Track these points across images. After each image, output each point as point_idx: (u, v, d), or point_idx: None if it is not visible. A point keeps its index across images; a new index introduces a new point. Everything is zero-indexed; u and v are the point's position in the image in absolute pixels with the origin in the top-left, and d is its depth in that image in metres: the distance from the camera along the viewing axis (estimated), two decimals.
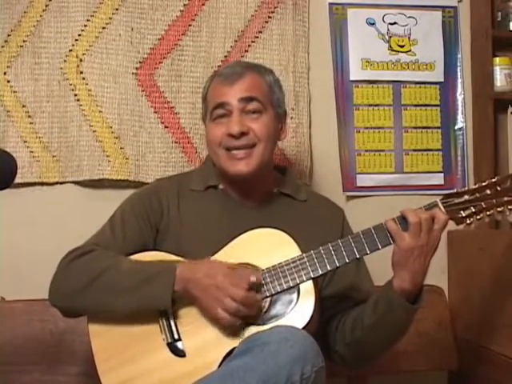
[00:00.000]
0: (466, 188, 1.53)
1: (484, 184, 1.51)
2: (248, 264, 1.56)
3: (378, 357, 1.69)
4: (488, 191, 1.50)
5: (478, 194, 1.51)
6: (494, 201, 1.50)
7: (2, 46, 2.09)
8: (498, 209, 1.50)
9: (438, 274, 2.23)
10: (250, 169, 1.65)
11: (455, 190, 1.53)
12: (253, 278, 1.48)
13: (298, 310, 1.50)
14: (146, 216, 1.69)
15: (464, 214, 1.51)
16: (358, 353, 1.65)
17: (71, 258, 1.60)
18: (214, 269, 1.51)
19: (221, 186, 1.75)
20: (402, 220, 1.49)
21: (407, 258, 1.48)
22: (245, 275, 1.48)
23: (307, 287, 1.51)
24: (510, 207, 1.51)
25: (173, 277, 1.50)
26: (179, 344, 1.53)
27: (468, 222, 1.51)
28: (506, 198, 1.50)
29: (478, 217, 1.51)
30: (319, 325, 1.58)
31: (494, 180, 1.51)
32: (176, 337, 1.53)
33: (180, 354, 1.53)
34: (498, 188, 1.50)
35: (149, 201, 1.71)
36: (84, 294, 1.55)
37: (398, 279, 1.50)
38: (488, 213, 1.50)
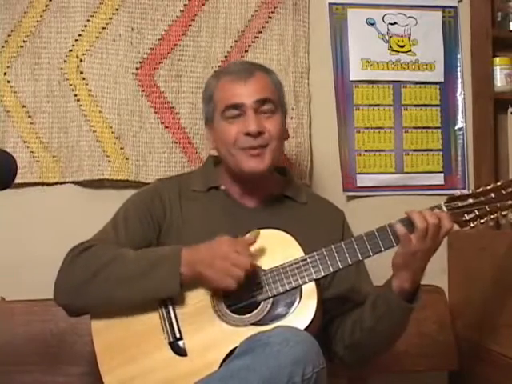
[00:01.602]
0: (471, 191, 1.53)
1: (488, 187, 1.51)
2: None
3: (378, 357, 1.69)
4: (492, 195, 1.50)
5: (482, 198, 1.51)
6: (498, 204, 1.50)
7: (2, 46, 2.08)
8: (503, 212, 1.50)
9: (438, 274, 2.23)
10: (264, 166, 1.66)
11: (459, 193, 1.53)
12: (251, 236, 1.53)
13: (299, 311, 1.50)
14: (148, 215, 1.69)
15: (468, 218, 1.51)
16: (358, 355, 1.65)
17: (74, 254, 1.59)
18: (217, 243, 1.52)
19: (222, 187, 1.75)
20: (408, 222, 1.49)
21: (411, 261, 1.48)
22: (244, 241, 1.53)
23: (309, 288, 1.51)
24: None
25: (178, 260, 1.51)
26: (181, 343, 1.54)
27: (472, 225, 1.51)
28: (510, 202, 1.50)
29: (482, 220, 1.50)
30: (321, 326, 1.58)
31: (498, 184, 1.51)
32: (178, 336, 1.54)
33: (181, 353, 1.53)
34: (503, 192, 1.50)
35: (151, 200, 1.71)
36: (90, 287, 1.54)
37: (397, 279, 1.51)
38: (492, 216, 1.50)
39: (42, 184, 2.11)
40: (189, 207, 1.71)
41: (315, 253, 1.52)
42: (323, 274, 1.52)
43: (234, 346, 1.46)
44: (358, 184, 2.28)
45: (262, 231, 1.58)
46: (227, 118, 1.67)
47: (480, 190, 1.52)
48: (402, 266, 1.49)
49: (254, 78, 1.68)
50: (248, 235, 1.55)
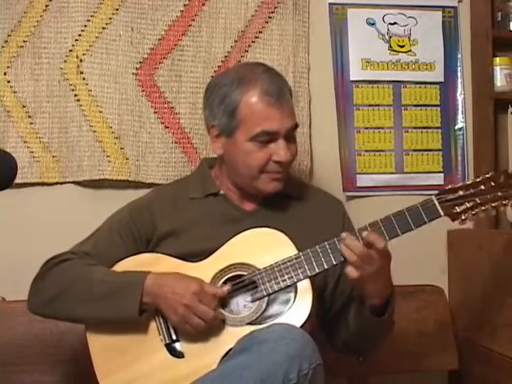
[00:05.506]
0: (461, 184, 1.54)
1: (478, 179, 1.52)
2: (243, 264, 1.56)
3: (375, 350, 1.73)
4: (482, 186, 1.52)
5: (472, 190, 1.52)
6: (489, 196, 1.51)
7: (2, 46, 2.08)
8: (493, 204, 1.51)
9: (437, 274, 2.23)
10: (281, 186, 1.68)
11: (450, 186, 1.54)
12: (220, 293, 1.51)
13: (295, 309, 1.50)
14: (135, 229, 1.69)
15: (459, 210, 1.52)
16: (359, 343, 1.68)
17: (48, 267, 1.63)
18: (183, 285, 1.51)
19: (221, 192, 1.74)
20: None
21: (365, 284, 1.51)
22: (213, 293, 1.50)
23: (304, 286, 1.52)
24: (504, 202, 1.52)
25: (140, 289, 1.51)
26: (177, 345, 1.54)
27: (463, 217, 1.52)
28: (499, 193, 1.51)
29: (473, 212, 1.52)
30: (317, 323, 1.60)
31: (488, 175, 1.52)
32: (174, 337, 1.54)
33: (178, 355, 1.53)
34: (493, 183, 1.51)
35: (140, 214, 1.71)
36: (57, 303, 1.58)
37: (367, 299, 1.55)
38: (483, 208, 1.51)
39: (42, 184, 2.11)
40: (186, 215, 1.71)
41: (309, 250, 1.52)
42: (317, 270, 1.52)
43: (230, 346, 1.46)
44: (358, 184, 2.28)
45: (256, 230, 1.58)
46: (258, 142, 1.62)
47: (470, 182, 1.53)
48: (363, 290, 1.53)
49: (285, 100, 1.63)
50: (225, 288, 1.53)
